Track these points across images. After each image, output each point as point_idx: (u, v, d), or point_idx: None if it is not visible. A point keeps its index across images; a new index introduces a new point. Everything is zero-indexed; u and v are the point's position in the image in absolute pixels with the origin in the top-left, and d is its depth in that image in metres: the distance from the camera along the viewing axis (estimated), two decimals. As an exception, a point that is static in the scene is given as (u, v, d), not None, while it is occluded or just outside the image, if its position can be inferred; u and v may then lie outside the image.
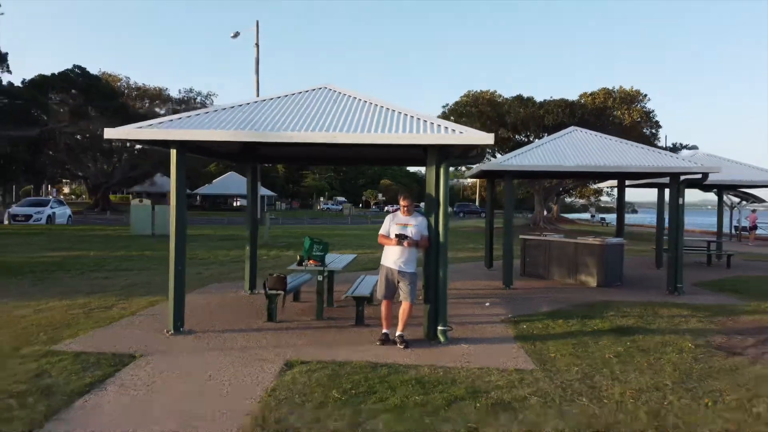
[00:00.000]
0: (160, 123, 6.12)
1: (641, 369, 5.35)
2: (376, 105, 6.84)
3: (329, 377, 4.86)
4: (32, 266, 12.01)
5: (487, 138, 5.76)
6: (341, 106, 6.80)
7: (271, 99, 7.04)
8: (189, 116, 6.33)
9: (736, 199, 29.21)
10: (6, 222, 24.51)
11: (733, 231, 29.49)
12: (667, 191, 12.42)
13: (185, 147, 6.37)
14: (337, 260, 7.98)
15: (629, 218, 37.81)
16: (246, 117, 6.42)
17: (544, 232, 13.47)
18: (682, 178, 10.08)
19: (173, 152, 6.21)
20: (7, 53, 23.98)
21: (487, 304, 8.51)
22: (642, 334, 6.78)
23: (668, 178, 10.47)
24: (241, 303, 8.31)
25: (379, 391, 4.51)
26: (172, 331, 6.28)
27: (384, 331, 6.10)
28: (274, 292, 6.97)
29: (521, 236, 12.18)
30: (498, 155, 27.67)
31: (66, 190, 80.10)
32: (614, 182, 15.64)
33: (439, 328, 6.21)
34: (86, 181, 51.08)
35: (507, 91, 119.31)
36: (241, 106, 6.78)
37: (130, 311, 7.62)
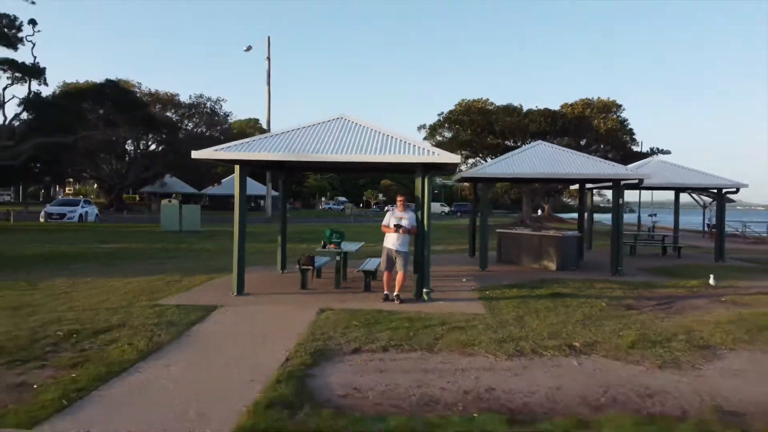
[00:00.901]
0: (229, 147, 8.72)
1: (558, 315, 7.95)
2: (379, 132, 9.43)
3: (349, 316, 7.46)
4: (94, 255, 14.61)
5: (455, 158, 8.38)
6: (353, 133, 9.39)
7: (301, 128, 9.62)
8: (248, 142, 8.92)
9: (708, 199, 31.77)
10: (42, 219, 27.12)
11: (705, 228, 32.09)
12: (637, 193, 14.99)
13: (245, 163, 8.98)
14: (349, 245, 10.60)
15: (626, 217, 40.42)
16: (285, 143, 9.00)
17: (517, 227, 16.09)
18: (623, 182, 12.68)
19: (237, 167, 8.81)
20: (44, 68, 26.62)
21: (464, 279, 11.11)
22: (572, 297, 9.36)
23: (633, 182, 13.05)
24: (278, 278, 10.93)
25: (382, 322, 7.12)
26: (236, 293, 8.88)
27: (385, 292, 8.70)
28: (305, 267, 9.60)
29: (497, 230, 14.79)
30: (488, 159, 30.25)
31: (68, 189, 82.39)
32: (589, 185, 18.20)
33: (424, 290, 8.81)
34: (101, 182, 53.71)
35: (499, 99, 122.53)
36: (279, 135, 9.35)
37: (196, 283, 10.21)
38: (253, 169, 11.25)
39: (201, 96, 50.46)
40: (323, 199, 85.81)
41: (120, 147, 47.58)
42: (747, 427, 4.18)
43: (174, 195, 47.97)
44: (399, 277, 8.67)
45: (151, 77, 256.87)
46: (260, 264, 13.09)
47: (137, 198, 68.20)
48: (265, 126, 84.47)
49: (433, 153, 8.59)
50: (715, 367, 5.67)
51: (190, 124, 51.07)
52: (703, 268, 13.56)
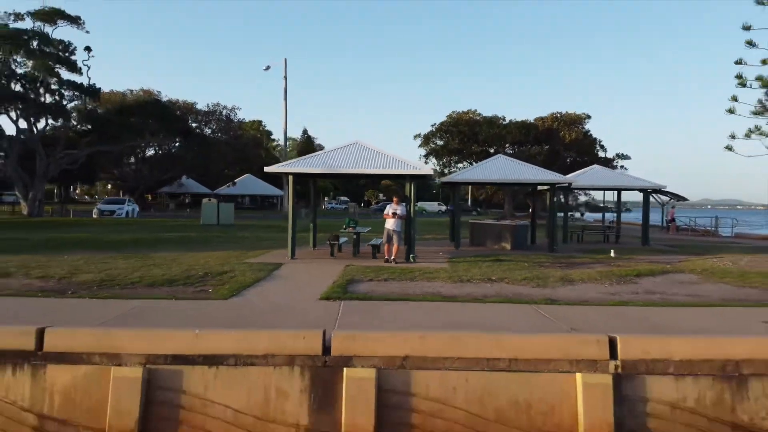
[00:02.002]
0: (287, 164, 13.60)
1: (492, 268, 12.80)
2: (381, 153, 14.29)
3: (364, 267, 12.34)
4: (167, 240, 19.44)
5: (430, 171, 13.30)
6: (364, 153, 14.27)
7: (329, 151, 14.49)
8: (297, 161, 13.82)
9: (666, 198, 36.65)
10: (95, 215, 32.02)
11: (664, 223, 36.97)
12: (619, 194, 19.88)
13: (296, 174, 13.88)
14: (361, 229, 15.51)
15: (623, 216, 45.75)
16: (320, 161, 13.89)
17: (486, 219, 20.96)
18: (557, 186, 17.55)
19: (290, 177, 13.70)
20: (100, 88, 31.46)
21: (440, 253, 16.00)
22: (508, 262, 14.21)
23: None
24: (312, 252, 15.82)
25: (384, 270, 12.02)
26: (290, 257, 13.76)
27: (386, 257, 13.58)
28: (333, 242, 14.50)
29: (470, 221, 19.66)
30: (473, 164, 35.21)
31: (77, 191, 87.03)
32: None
33: (411, 255, 13.70)
34: (124, 183, 58.72)
35: (486, 109, 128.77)
36: (315, 156, 14.26)
37: (258, 254, 15.06)
38: (301, 177, 16.09)
39: (218, 104, 55.48)
40: (326, 198, 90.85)
41: (141, 151, 52.54)
42: (555, 300, 9.04)
43: (209, 198, 53.05)
44: (395, 248, 13.55)
45: (159, 83, 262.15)
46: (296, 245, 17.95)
47: (149, 198, 73.23)
48: (275, 134, 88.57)
49: (416, 168, 13.50)
50: (565, 288, 10.52)
51: (207, 130, 56.00)
52: (623, 249, 18.39)
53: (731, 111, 15.02)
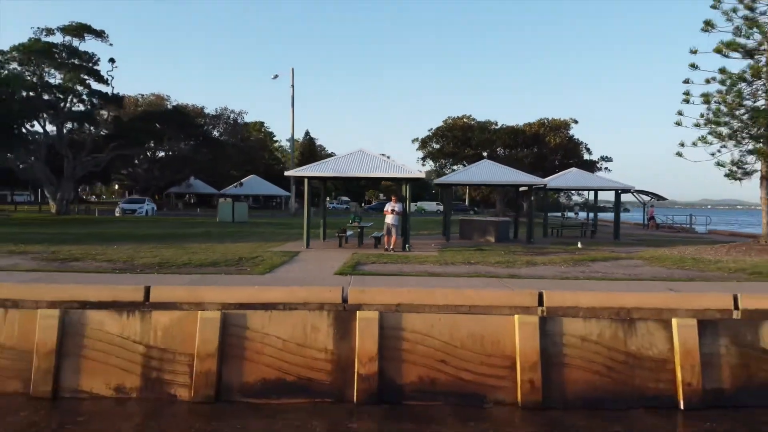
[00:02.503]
0: (303, 169, 16.25)
1: (473, 254, 15.42)
2: (381, 159, 16.95)
3: (368, 254, 14.99)
4: (193, 234, 22.07)
5: (422, 174, 15.92)
6: (367, 159, 16.92)
7: (338, 157, 17.12)
8: (311, 166, 16.46)
9: (647, 198, 39.32)
10: (118, 214, 34.68)
11: (645, 221, 39.62)
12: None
13: (310, 178, 16.54)
14: (365, 224, 18.18)
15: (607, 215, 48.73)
16: (331, 166, 16.54)
17: (474, 216, 23.59)
18: (534, 187, 20.18)
19: (306, 180, 16.36)
20: (123, 97, 34.04)
21: (432, 245, 18.65)
22: (488, 251, 16.85)
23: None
24: (322, 243, 18.47)
25: (384, 257, 14.67)
26: (306, 247, 16.42)
27: (386, 247, 16.24)
28: (341, 234, 17.16)
29: (460, 218, 22.30)
30: (466, 165, 37.92)
31: (82, 191, 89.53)
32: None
33: (407, 245, 16.35)
34: (136, 184, 61.39)
35: (480, 114, 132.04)
36: (326, 162, 16.89)
37: (277, 245, 17.71)
38: (315, 180, 18.73)
39: (225, 108, 58.16)
40: (327, 198, 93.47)
41: (152, 153, 55.21)
42: (516, 276, 11.68)
43: (225, 198, 55.84)
44: (393, 239, 16.19)
45: (166, 86, 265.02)
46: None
47: (156, 198, 75.97)
48: (277, 135, 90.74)
49: (410, 172, 16.15)
50: (527, 268, 13.16)
51: (215, 132, 58.68)
52: (594, 243, 21.02)
53: (678, 123, 17.65)
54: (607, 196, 44.19)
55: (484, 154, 38.87)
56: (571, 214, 78.04)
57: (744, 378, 8.47)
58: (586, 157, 41.18)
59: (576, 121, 39.44)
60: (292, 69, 37.11)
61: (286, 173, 16.11)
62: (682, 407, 8.26)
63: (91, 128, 33.81)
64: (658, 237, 27.37)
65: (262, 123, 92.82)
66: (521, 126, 39.63)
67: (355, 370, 8.16)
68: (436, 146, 40.17)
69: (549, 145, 37.91)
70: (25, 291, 8.76)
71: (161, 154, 58.23)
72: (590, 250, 18.02)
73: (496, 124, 40.34)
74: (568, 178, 23.47)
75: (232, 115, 57.86)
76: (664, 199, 38.48)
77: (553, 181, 23.14)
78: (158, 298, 8.54)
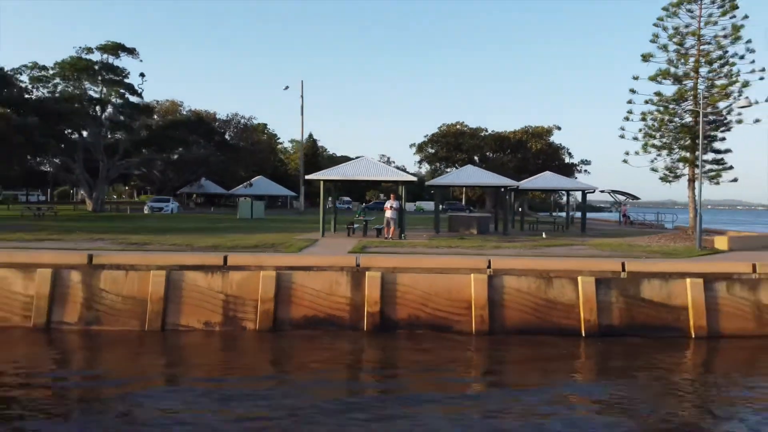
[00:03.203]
0: (319, 173, 20.38)
1: (455, 242, 19.54)
2: (381, 164, 21.06)
3: (372, 241, 19.12)
4: (223, 228, 26.15)
5: (413, 178, 20.08)
6: (370, 165, 21.04)
7: (345, 164, 21.24)
8: (325, 172, 20.59)
9: (622, 198, 43.44)
10: (146, 211, 38.81)
11: (620, 218, 43.71)
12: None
13: (325, 181, 20.68)
14: (369, 217, 22.34)
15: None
16: (340, 171, 20.67)
17: (460, 213, 27.69)
18: (509, 187, 24.27)
19: (322, 183, 20.49)
20: (154, 107, 38.08)
21: (424, 235, 22.77)
22: (468, 239, 20.96)
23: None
24: (333, 234, 22.58)
25: (385, 243, 18.81)
26: (321, 236, 20.55)
27: (385, 235, 20.38)
28: (349, 226, 21.31)
29: (448, 214, 26.39)
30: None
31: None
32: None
33: (403, 234, 20.50)
34: (152, 185, 65.52)
35: (473, 120, 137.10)
36: (337, 168, 21.01)
37: (297, 234, 21.81)
38: (330, 183, 22.82)
39: (236, 114, 62.28)
40: (330, 198, 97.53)
41: (168, 156, 59.30)
42: (482, 254, 15.79)
43: (245, 197, 60.07)
44: (392, 230, 20.30)
45: (177, 90, 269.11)
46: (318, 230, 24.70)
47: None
48: (279, 136, 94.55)
49: (405, 176, 20.28)
50: (495, 250, 17.26)
51: (227, 136, 62.74)
52: (561, 234, 25.11)
53: (622, 136, 21.75)
54: (599, 197, 48.51)
55: (476, 158, 43.06)
56: (562, 214, 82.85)
57: (626, 317, 12.59)
58: (568, 160, 45.41)
59: (559, 128, 43.74)
60: (302, 81, 41.18)
61: (308, 176, 20.17)
62: (583, 335, 12.37)
63: (124, 135, 37.99)
64: (625, 231, 31.45)
65: (265, 125, 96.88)
66: (507, 133, 43.83)
67: (365, 310, 12.28)
68: (432, 151, 44.41)
69: (531, 151, 42.12)
70: (140, 259, 12.91)
71: (175, 156, 62.32)
72: (553, 240, 22.11)
73: (486, 131, 44.61)
74: (540, 180, 27.51)
75: (242, 120, 61.97)
76: (637, 198, 42.56)
77: (528, 182, 27.22)
78: (233, 262, 12.68)
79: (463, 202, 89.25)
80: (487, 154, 41.19)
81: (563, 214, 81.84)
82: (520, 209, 65.83)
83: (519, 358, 11.54)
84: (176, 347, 12.05)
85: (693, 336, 12.53)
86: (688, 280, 12.68)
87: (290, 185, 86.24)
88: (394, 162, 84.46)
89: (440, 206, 70.46)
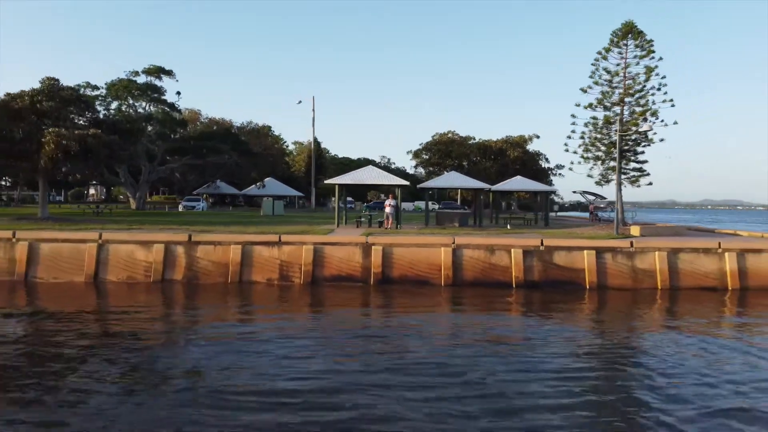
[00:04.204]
0: (336, 178, 26.94)
1: (437, 231, 26.08)
2: (382, 172, 27.63)
3: (375, 230, 25.68)
4: (251, 221, 32.64)
5: (404, 182, 26.68)
6: (374, 172, 27.61)
7: (356, 171, 27.79)
8: (339, 177, 27.15)
9: (592, 197, 49.95)
10: (181, 209, 45.30)
11: (589, 215, 50.19)
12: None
13: (342, 185, 27.26)
14: (373, 213, 28.95)
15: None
16: (351, 177, 27.25)
17: (445, 210, 34.25)
18: (486, 189, 30.79)
19: (337, 186, 27.06)
20: (187, 122, 44.53)
21: (416, 227, 29.32)
22: (448, 228, 27.48)
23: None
24: (344, 226, 29.14)
25: (386, 232, 25.39)
26: (336, 227, 27.11)
27: (385, 227, 26.96)
28: (359, 219, 27.89)
29: (436, 210, 32.92)
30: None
31: (92, 191, 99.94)
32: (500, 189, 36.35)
33: (398, 226, 27.06)
34: (172, 186, 72.07)
35: (464, 129, 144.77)
36: (349, 174, 27.57)
37: (316, 226, 28.35)
38: (345, 186, 29.33)
39: (250, 122, 68.86)
40: (333, 198, 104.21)
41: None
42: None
43: (267, 197, 66.54)
44: (390, 222, 26.85)
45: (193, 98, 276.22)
46: (331, 224, 31.25)
47: (176, 198, 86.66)
48: (285, 138, 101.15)
49: (401, 181, 26.86)
50: (462, 237, 23.78)
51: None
52: (525, 228, 31.64)
53: (566, 150, 28.26)
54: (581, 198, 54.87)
55: (464, 163, 49.48)
56: (553, 213, 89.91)
57: (544, 275, 19.12)
58: (544, 165, 51.98)
59: (538, 137, 50.08)
60: (313, 97, 47.62)
61: (326, 181, 26.57)
62: (514, 287, 18.93)
63: (161, 144, 44.63)
64: (581, 224, 37.97)
65: (269, 127, 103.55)
66: (491, 141, 50.38)
67: (372, 271, 18.83)
68: (426, 157, 50.94)
69: (510, 158, 48.67)
70: (224, 237, 19.48)
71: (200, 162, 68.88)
72: (515, 230, 28.63)
73: (474, 139, 51.16)
74: (511, 183, 33.94)
75: (256, 127, 68.53)
76: (604, 198, 49.08)
77: (501, 185, 33.68)
78: (285, 240, 19.26)
79: (458, 202, 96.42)
80: (474, 159, 47.69)
81: (553, 213, 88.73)
82: (511, 208, 72.70)
83: (472, 300, 18.03)
84: (249, 293, 18.61)
85: (588, 288, 19.06)
86: (585, 251, 19.22)
87: (296, 186, 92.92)
88: (394, 163, 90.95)
89: (437, 206, 75.97)
